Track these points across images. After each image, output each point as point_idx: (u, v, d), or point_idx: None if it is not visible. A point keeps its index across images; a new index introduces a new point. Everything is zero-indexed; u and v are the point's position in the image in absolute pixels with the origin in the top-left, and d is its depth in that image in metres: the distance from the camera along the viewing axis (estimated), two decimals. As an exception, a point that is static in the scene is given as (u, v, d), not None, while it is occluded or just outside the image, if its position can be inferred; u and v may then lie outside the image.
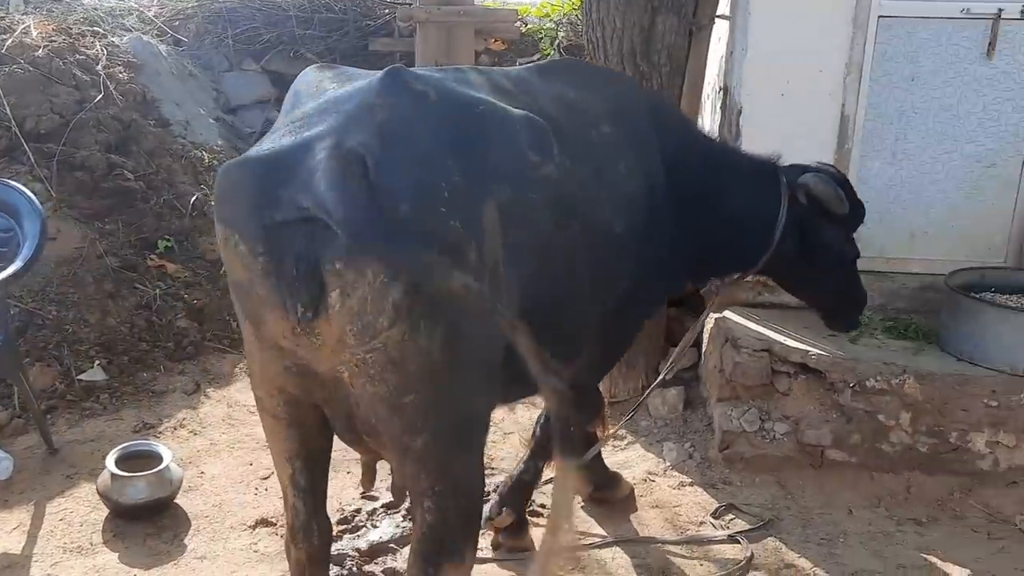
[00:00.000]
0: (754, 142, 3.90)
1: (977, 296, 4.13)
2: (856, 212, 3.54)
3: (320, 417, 2.48)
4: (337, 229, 2.03)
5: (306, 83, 2.58)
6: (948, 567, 3.49)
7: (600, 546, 3.64)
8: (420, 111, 2.30)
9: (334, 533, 3.62)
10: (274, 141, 2.27)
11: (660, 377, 4.04)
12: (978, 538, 3.68)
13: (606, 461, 4.07)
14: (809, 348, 4.13)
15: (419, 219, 2.10)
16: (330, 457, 2.67)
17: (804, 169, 3.51)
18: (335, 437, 2.57)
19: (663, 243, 3.19)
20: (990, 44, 4.49)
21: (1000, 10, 4.45)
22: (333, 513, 3.74)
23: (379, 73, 2.41)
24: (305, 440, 2.53)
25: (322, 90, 2.47)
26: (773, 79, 4.49)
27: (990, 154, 4.66)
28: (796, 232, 3.41)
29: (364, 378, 2.18)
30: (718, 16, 5.11)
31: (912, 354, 4.14)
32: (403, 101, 2.30)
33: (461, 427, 2.38)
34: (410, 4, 7.02)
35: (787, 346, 4.16)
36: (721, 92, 4.95)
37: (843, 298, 3.69)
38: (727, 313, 4.49)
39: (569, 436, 2.79)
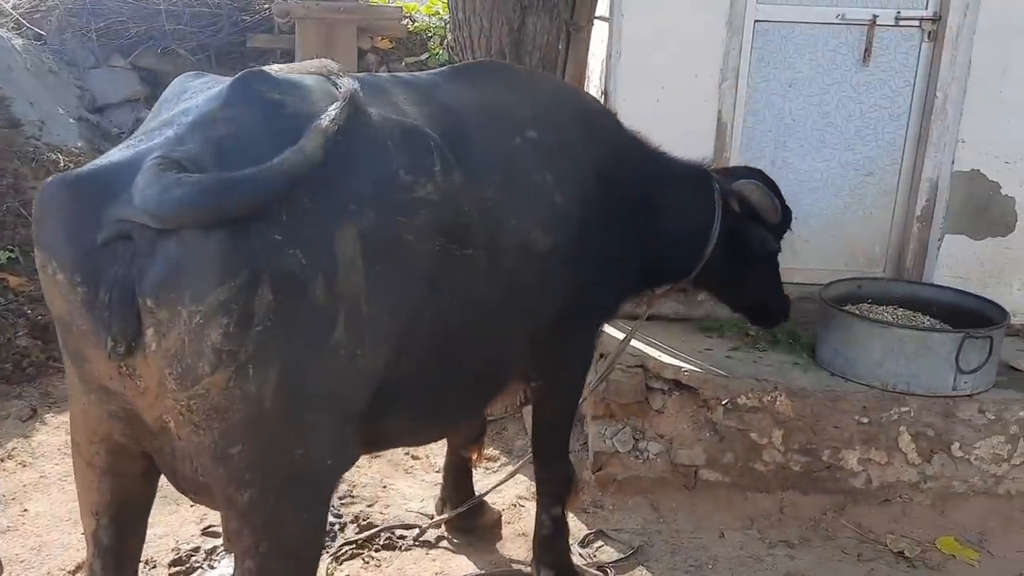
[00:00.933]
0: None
1: (848, 309, 4.04)
2: (786, 217, 3.48)
3: (144, 468, 2.21)
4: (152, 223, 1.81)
5: (172, 93, 2.30)
6: (816, 593, 3.38)
7: (459, 581, 3.42)
8: (269, 124, 2.02)
9: (167, 575, 3.35)
10: (107, 156, 2.03)
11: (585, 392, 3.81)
12: (848, 559, 3.56)
13: (476, 485, 3.84)
14: (682, 364, 3.98)
15: (245, 248, 1.83)
16: (147, 515, 2.39)
17: (734, 174, 3.44)
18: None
19: (600, 258, 2.96)
20: (866, 50, 4.43)
21: (875, 16, 4.38)
22: (167, 552, 3.46)
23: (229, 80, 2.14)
24: (119, 493, 2.25)
25: (183, 100, 2.19)
26: (649, 83, 4.34)
27: (868, 162, 4.60)
28: (728, 239, 3.30)
29: (189, 427, 1.95)
30: (597, 17, 4.95)
31: (787, 369, 4.03)
32: (250, 112, 2.03)
33: (297, 482, 2.10)
34: (289, -1, 6.69)
35: (661, 362, 4.00)
36: (603, 95, 4.78)
37: (770, 298, 3.62)
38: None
39: None
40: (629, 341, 3.70)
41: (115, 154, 2.02)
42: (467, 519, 3.72)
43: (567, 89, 3.68)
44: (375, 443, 2.49)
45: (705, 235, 3.27)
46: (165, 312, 1.82)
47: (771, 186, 3.46)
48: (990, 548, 3.65)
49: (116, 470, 2.20)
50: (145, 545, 3.41)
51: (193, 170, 1.86)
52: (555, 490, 3.29)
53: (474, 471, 3.85)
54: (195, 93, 2.20)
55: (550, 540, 3.30)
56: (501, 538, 3.71)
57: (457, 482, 3.74)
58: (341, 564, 3.45)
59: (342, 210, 1.99)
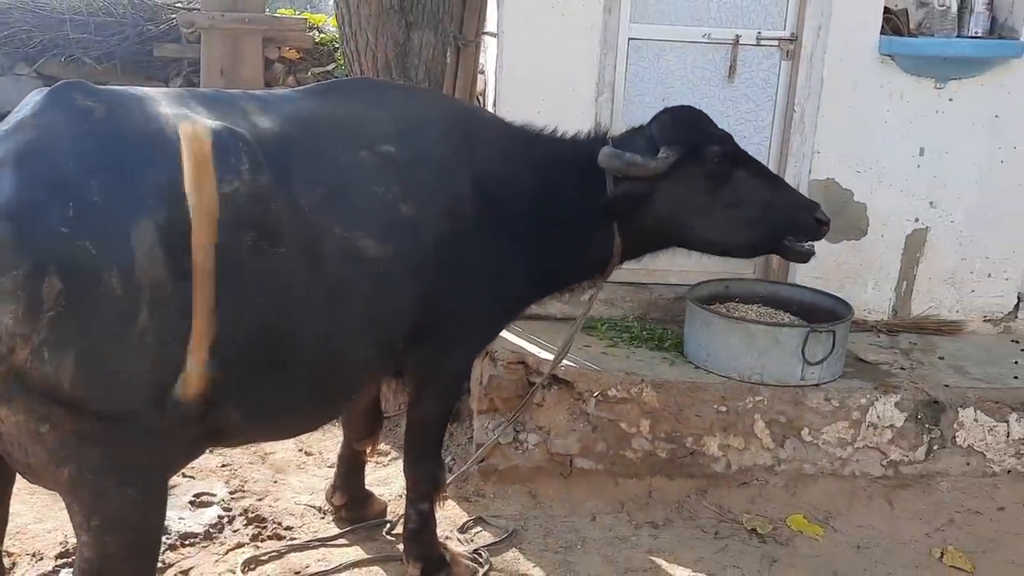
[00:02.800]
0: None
1: (713, 307, 4.35)
2: (694, 137, 3.24)
3: None
4: None
5: (18, 106, 2.41)
6: (673, 568, 3.64)
7: (342, 569, 3.58)
8: (75, 129, 2.22)
9: (52, 567, 3.47)
10: None
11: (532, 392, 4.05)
12: (705, 538, 3.85)
13: (367, 478, 4.03)
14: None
15: (29, 241, 2.04)
16: (4, 504, 2.56)
17: (641, 132, 3.38)
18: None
19: (476, 270, 3.09)
20: (731, 68, 4.76)
21: (738, 36, 4.72)
22: (55, 546, 3.57)
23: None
24: None
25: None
26: (530, 96, 4.57)
27: (736, 171, 4.92)
28: (656, 202, 3.21)
29: (4, 408, 2.13)
30: (487, 33, 5.20)
31: (656, 364, 4.31)
32: (56, 119, 2.22)
33: (114, 461, 2.28)
34: (195, 9, 6.78)
35: (540, 358, 4.25)
36: (493, 106, 5.03)
37: (773, 222, 3.32)
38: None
39: None
40: (576, 330, 3.78)
41: None
42: (355, 509, 3.91)
43: (447, 106, 3.72)
44: (218, 434, 2.57)
45: (597, 221, 3.26)
46: None
47: (677, 119, 3.32)
48: (834, 524, 3.98)
49: None
50: (34, 539, 3.61)
51: None
52: (423, 488, 3.45)
53: (366, 464, 4.04)
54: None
55: (418, 533, 3.47)
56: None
57: (349, 472, 3.91)
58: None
59: (139, 204, 2.17)
